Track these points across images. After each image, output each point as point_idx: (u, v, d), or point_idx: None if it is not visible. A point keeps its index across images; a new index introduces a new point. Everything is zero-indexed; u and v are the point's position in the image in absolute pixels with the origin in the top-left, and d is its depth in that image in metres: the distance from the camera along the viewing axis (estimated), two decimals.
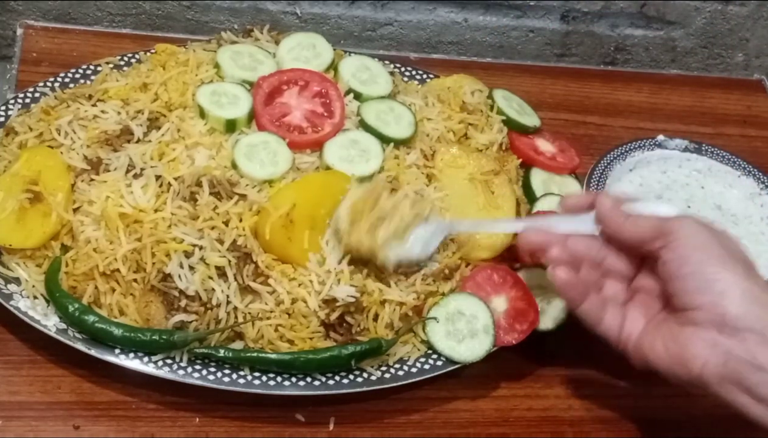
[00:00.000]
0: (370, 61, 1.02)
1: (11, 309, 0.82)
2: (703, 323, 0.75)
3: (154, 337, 0.81)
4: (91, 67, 1.01)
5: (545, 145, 1.04)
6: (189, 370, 0.82)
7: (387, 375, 0.85)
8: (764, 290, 0.75)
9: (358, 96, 0.97)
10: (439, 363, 0.86)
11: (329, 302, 0.84)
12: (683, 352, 0.76)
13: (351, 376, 0.84)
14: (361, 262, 0.86)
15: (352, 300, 0.84)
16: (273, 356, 0.83)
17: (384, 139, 0.93)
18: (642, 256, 0.82)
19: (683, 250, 0.77)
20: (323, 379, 0.83)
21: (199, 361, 0.82)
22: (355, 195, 0.87)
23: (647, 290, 0.82)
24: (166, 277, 0.82)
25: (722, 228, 0.80)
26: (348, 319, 0.85)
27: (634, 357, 0.81)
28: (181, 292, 0.82)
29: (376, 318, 0.85)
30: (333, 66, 0.99)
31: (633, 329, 0.81)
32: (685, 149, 1.08)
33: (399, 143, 0.94)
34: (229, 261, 0.83)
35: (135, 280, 0.83)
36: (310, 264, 0.85)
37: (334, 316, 0.84)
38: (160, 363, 0.82)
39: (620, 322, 0.82)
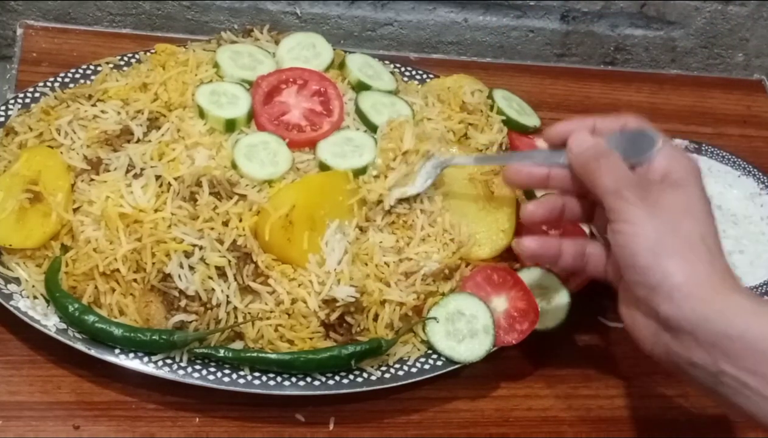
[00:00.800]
0: (372, 60, 1.02)
1: (11, 309, 0.82)
2: (646, 313, 0.74)
3: (154, 337, 0.81)
4: (91, 67, 1.01)
5: (545, 145, 1.03)
6: (189, 370, 0.82)
7: (387, 375, 0.85)
8: (700, 283, 0.71)
9: (367, 88, 0.97)
10: (439, 363, 0.86)
11: (329, 302, 0.84)
12: (634, 330, 0.75)
13: (351, 376, 0.84)
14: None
15: (352, 300, 0.84)
16: (273, 356, 0.83)
17: (372, 128, 0.94)
18: None
19: (619, 238, 0.74)
20: (323, 379, 0.83)
21: (199, 361, 0.82)
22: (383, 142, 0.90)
23: None
24: (166, 277, 0.82)
25: (677, 187, 0.75)
26: (348, 319, 0.85)
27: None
28: (181, 292, 0.82)
29: (376, 318, 0.85)
30: (333, 66, 0.99)
31: (616, 266, 0.77)
32: (685, 149, 1.08)
33: None
34: (229, 261, 0.83)
35: (135, 280, 0.83)
36: (309, 264, 0.85)
37: (334, 316, 0.84)
38: (160, 363, 0.82)
39: (605, 256, 0.80)
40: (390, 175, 0.88)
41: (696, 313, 0.70)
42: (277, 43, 1.01)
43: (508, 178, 0.86)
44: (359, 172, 0.90)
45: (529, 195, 0.99)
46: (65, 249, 0.85)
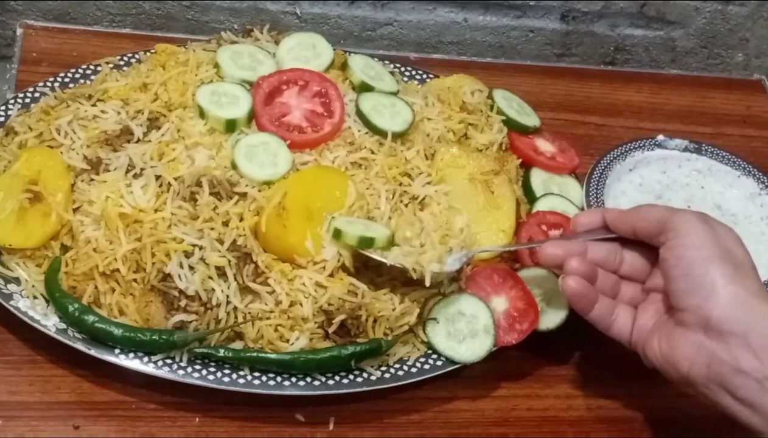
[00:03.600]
0: (372, 61, 1.02)
1: (11, 309, 0.82)
2: (691, 325, 0.76)
3: (154, 337, 0.81)
4: (91, 67, 1.01)
5: (545, 145, 1.04)
6: (189, 370, 0.82)
7: (387, 375, 0.85)
8: (752, 294, 0.75)
9: (370, 89, 0.97)
10: (439, 363, 0.86)
11: (327, 312, 0.84)
12: (673, 352, 0.78)
13: (351, 376, 0.84)
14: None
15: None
16: (273, 356, 0.83)
17: (372, 129, 0.94)
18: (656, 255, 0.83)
19: (678, 250, 0.78)
20: (323, 379, 0.83)
21: (199, 361, 0.82)
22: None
23: (658, 289, 0.83)
24: (166, 277, 0.82)
25: (724, 226, 0.81)
26: (347, 324, 0.84)
27: (643, 357, 0.82)
28: (181, 292, 0.82)
29: (375, 321, 0.85)
30: (333, 66, 0.99)
31: (643, 330, 0.82)
32: (685, 149, 1.08)
33: (395, 137, 0.94)
34: (229, 261, 0.83)
35: (135, 280, 0.83)
36: (308, 266, 0.85)
37: (332, 329, 0.84)
38: (160, 363, 0.82)
39: (631, 323, 0.83)
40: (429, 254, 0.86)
41: (749, 316, 0.74)
42: (277, 43, 1.01)
43: (544, 259, 0.84)
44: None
45: (530, 196, 0.99)
46: (65, 249, 0.85)
